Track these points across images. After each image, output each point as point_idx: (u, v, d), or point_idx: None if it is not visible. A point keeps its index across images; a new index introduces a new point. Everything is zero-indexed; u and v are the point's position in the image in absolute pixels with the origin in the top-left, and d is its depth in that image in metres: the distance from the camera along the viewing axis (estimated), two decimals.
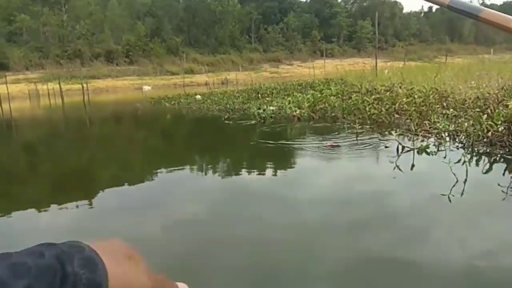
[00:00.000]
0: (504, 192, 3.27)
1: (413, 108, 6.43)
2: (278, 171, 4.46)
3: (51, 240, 0.26)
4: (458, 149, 4.74)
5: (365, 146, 5.29)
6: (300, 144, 5.77)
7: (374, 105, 7.15)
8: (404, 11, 67.58)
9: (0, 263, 0.25)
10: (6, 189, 4.59)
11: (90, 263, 0.28)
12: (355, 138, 5.79)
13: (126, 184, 4.26)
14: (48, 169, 5.70)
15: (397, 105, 6.86)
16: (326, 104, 8.17)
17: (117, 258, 0.30)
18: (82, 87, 24.86)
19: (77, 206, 3.62)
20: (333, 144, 5.38)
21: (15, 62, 37.69)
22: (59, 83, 26.79)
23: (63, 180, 4.92)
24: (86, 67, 38.31)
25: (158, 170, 4.76)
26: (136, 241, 2.70)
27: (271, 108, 8.90)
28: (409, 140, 5.19)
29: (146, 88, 32.13)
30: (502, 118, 4.78)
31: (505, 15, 0.68)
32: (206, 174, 4.60)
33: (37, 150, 7.78)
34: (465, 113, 5.84)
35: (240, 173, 4.57)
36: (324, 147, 5.30)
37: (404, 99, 6.94)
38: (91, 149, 7.35)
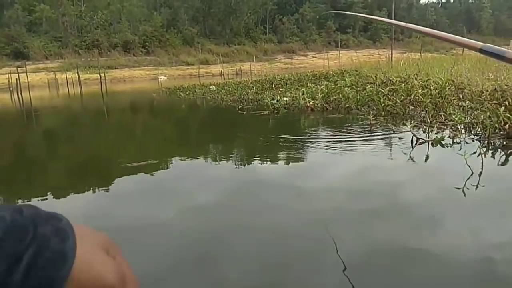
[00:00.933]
0: None
1: (428, 100, 6.34)
2: (291, 162, 4.48)
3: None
4: (473, 141, 4.66)
5: (379, 138, 5.27)
6: (313, 135, 5.79)
7: (389, 96, 7.07)
8: (421, 1, 66.07)
9: None
10: (27, 175, 4.76)
11: (62, 233, 0.27)
12: (369, 129, 5.77)
13: (142, 171, 4.35)
14: (67, 157, 5.85)
15: (412, 96, 6.78)
16: (340, 95, 8.11)
17: (92, 245, 0.29)
18: (100, 76, 25.28)
19: (94, 192, 3.75)
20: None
21: (35, 52, 38.49)
22: (78, 73, 27.29)
23: (82, 167, 5.06)
24: (104, 57, 38.88)
25: (173, 159, 4.87)
26: (151, 225, 2.80)
27: (285, 98, 8.90)
28: (424, 132, 5.13)
29: (163, 78, 32.44)
30: None
31: None
32: (219, 163, 4.67)
33: (56, 138, 8.01)
34: (481, 105, 5.73)
35: (253, 163, 4.61)
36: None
37: (420, 91, 6.84)
38: (109, 138, 7.53)
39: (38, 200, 3.51)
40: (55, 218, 0.28)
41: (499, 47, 0.84)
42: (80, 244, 0.28)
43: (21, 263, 0.24)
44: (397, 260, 2.16)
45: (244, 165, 4.53)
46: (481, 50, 0.85)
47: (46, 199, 3.58)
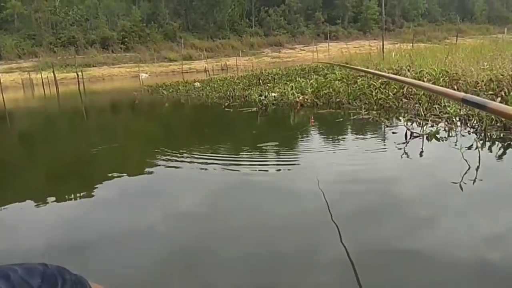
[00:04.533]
0: None
1: (422, 92, 6.19)
2: (280, 160, 4.23)
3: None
4: (469, 134, 4.53)
5: (371, 132, 5.14)
6: (303, 131, 5.59)
7: (381, 89, 6.90)
8: None
9: (18, 267, 0.34)
10: (2, 180, 4.49)
11: (82, 281, 0.39)
12: (361, 124, 5.63)
13: (125, 175, 4.10)
14: (44, 161, 5.55)
15: (405, 89, 6.62)
16: (331, 89, 7.91)
17: None
18: (77, 75, 24.46)
19: (75, 198, 3.50)
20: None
21: (7, 51, 37.05)
22: (53, 72, 26.33)
23: (60, 171, 4.79)
24: (81, 55, 37.69)
25: (156, 162, 4.57)
26: (135, 232, 2.54)
27: (273, 94, 8.68)
28: (418, 125, 4.99)
29: (144, 75, 31.71)
30: None
31: (507, 106, 0.79)
32: (206, 164, 4.37)
33: (33, 142, 7.61)
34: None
35: (241, 164, 4.32)
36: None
37: None
38: (88, 140, 7.16)
39: (17, 207, 3.26)
40: (81, 282, 0.40)
41: (481, 98, 0.84)
42: None
43: None
44: (391, 258, 2.07)
45: (232, 166, 4.24)
46: (463, 100, 0.86)
47: (25, 205, 3.32)
